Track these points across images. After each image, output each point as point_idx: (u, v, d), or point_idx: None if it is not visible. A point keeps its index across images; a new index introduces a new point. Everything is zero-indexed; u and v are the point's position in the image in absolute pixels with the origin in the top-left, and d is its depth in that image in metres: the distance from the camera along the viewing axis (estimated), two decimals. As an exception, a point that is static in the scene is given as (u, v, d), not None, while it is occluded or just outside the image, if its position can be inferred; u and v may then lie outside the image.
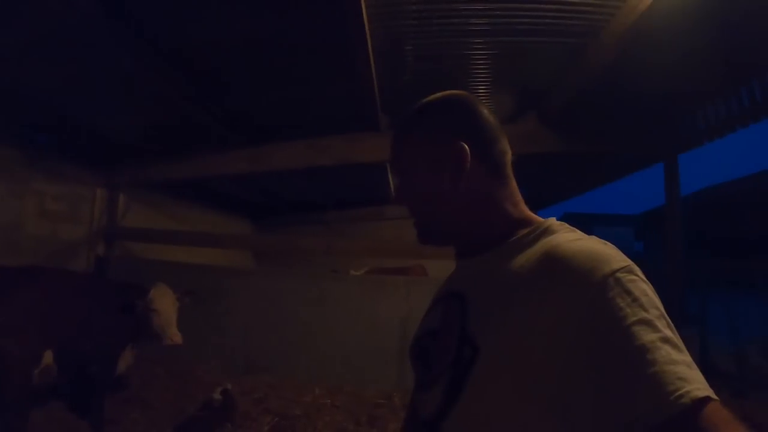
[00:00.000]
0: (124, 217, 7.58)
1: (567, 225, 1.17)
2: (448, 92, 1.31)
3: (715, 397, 0.81)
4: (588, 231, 1.13)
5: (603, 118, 6.01)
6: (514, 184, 1.29)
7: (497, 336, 1.00)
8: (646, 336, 0.86)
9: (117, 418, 5.10)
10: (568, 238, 1.08)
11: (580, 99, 5.37)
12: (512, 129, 5.70)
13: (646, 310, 0.90)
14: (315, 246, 6.48)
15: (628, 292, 0.91)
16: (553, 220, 1.20)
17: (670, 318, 0.93)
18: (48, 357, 4.22)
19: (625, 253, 1.02)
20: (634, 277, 0.95)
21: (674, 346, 0.88)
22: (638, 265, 0.99)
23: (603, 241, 1.05)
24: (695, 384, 0.82)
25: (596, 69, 4.65)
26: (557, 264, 1.00)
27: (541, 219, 1.22)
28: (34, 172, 6.33)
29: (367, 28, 4.05)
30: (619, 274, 0.93)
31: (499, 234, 1.20)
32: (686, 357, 0.86)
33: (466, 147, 1.21)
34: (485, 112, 1.28)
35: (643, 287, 0.94)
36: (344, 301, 6.10)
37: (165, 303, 4.79)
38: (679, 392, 0.80)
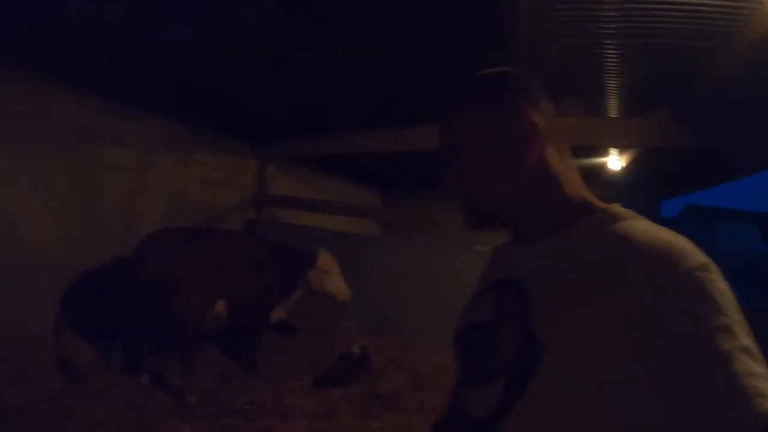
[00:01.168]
0: (272, 186, 8.19)
1: (633, 212, 1.08)
2: (502, 68, 1.24)
3: None
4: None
5: (734, 118, 5.91)
6: (575, 164, 1.19)
7: (565, 334, 0.95)
8: (726, 344, 0.83)
9: (264, 361, 5.62)
10: (639, 227, 1.01)
11: (712, 98, 5.36)
12: (644, 122, 5.79)
13: (725, 315, 0.85)
14: (451, 221, 6.59)
15: (707, 293, 0.87)
16: (618, 207, 1.11)
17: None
18: (220, 306, 4.83)
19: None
20: (713, 277, 0.90)
21: (753, 356, 0.84)
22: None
23: (675, 233, 0.98)
24: None
25: (728, 71, 4.66)
26: (630, 256, 0.94)
27: (603, 204, 1.14)
28: (197, 145, 7.02)
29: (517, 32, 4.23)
30: (698, 273, 0.89)
31: (561, 218, 1.12)
32: (764, 368, 0.83)
33: (535, 119, 1.13)
34: (543, 87, 1.21)
35: (721, 288, 0.89)
36: (475, 274, 6.10)
37: (333, 265, 5.39)
38: (757, 411, 0.77)
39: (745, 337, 0.85)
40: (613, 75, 5.46)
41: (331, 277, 5.37)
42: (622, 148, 7.95)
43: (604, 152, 8.46)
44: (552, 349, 0.96)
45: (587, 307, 0.94)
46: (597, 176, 9.49)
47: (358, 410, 4.56)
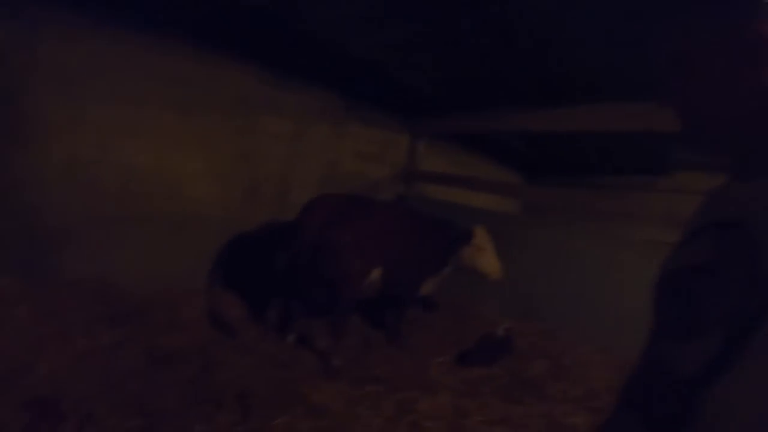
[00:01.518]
0: (421, 162, 8.12)
1: None
2: None
3: None
4: None
5: None
6: None
7: None
8: None
9: (406, 334, 5.67)
10: None
11: None
12: None
13: None
14: (606, 209, 6.26)
15: None
16: None
17: None
18: (376, 274, 4.83)
19: None
20: None
21: None
22: None
23: None
24: None
25: None
26: None
27: None
28: (351, 118, 7.18)
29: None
30: None
31: None
32: None
33: None
34: None
35: None
36: (630, 267, 5.64)
37: (488, 243, 5.31)
38: None
39: None
40: None
41: (484, 255, 5.30)
42: None
43: None
44: None
45: None
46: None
47: (500, 392, 4.48)
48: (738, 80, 1.02)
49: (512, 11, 4.46)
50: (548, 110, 6.36)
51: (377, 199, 5.84)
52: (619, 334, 5.64)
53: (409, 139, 8.23)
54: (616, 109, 5.94)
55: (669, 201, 6.87)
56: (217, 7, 5.02)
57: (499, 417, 3.99)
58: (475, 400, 4.25)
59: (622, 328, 5.69)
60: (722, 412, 0.89)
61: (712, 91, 1.05)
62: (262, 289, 5.79)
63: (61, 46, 4.87)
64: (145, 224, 5.53)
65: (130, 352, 4.62)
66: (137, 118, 5.35)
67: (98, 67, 5.08)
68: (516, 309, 6.43)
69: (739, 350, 0.88)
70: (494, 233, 5.59)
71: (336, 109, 6.98)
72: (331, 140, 6.85)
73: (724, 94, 1.03)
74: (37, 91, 4.79)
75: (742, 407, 0.87)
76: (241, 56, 5.91)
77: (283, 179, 6.37)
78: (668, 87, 1.14)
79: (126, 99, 5.27)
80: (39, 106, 4.81)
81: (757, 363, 0.86)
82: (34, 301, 4.70)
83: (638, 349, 1.24)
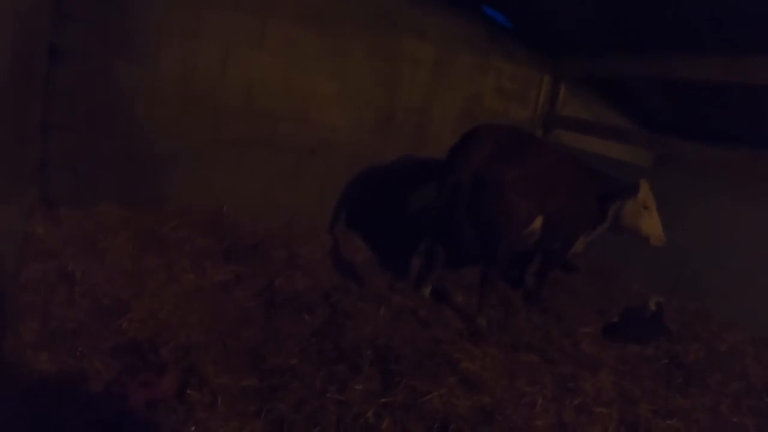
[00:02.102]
0: (562, 107, 7.11)
1: None
2: None
3: None
4: None
5: None
6: None
7: None
8: None
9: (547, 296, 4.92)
10: None
11: None
12: None
13: None
14: None
15: None
16: None
17: None
18: (537, 222, 4.13)
19: None
20: None
21: None
22: None
23: None
24: None
25: None
26: None
27: None
28: (495, 51, 6.18)
29: None
30: None
31: None
32: None
33: None
34: None
35: None
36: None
37: (652, 201, 4.57)
38: None
39: None
40: None
41: (649, 214, 4.55)
42: None
43: None
44: None
45: None
46: None
47: (660, 377, 3.84)
48: None
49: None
50: (720, 57, 4.93)
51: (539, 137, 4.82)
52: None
53: (551, 81, 7.04)
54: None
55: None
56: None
57: (668, 408, 3.41)
58: (638, 385, 3.63)
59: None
60: None
61: None
62: (394, 232, 5.06)
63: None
64: (267, 150, 4.82)
65: (245, 294, 3.82)
66: (262, 29, 4.61)
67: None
68: (665, 281, 5.39)
69: None
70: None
71: (480, 39, 6.03)
72: (474, 73, 6.02)
73: None
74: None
75: None
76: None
77: (423, 111, 5.66)
78: None
79: (250, 6, 4.51)
80: (150, 12, 4.12)
81: None
82: (136, 230, 3.98)
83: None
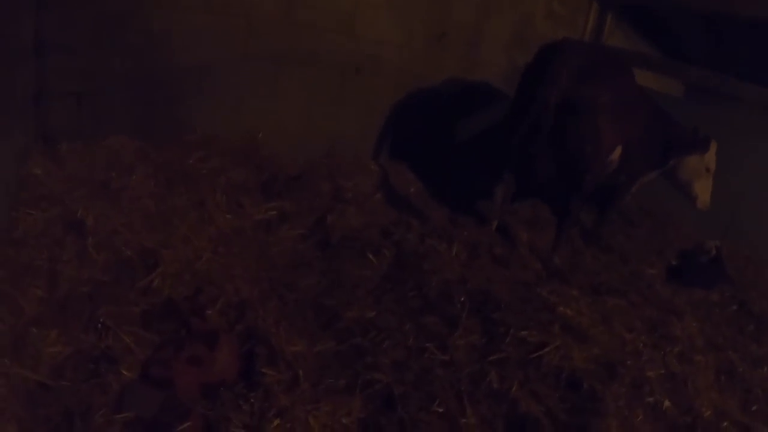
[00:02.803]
0: (610, 36, 6.56)
1: None
2: None
3: None
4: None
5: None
6: None
7: None
8: None
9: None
10: None
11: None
12: None
13: None
14: None
15: None
16: None
17: None
18: (617, 152, 3.66)
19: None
20: None
21: None
22: None
23: None
24: None
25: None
26: None
27: None
28: None
29: None
30: None
31: None
32: None
33: None
34: None
35: None
36: None
37: (714, 164, 4.18)
38: None
39: None
40: None
41: (706, 177, 4.19)
42: None
43: None
44: None
45: None
46: None
47: (734, 325, 3.48)
48: None
49: None
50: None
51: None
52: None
53: (599, 9, 6.43)
54: None
55: None
56: None
57: (754, 355, 3.13)
58: (718, 331, 3.30)
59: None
60: None
61: None
62: (446, 161, 4.41)
63: None
64: (307, 67, 3.90)
65: (292, 233, 3.06)
66: None
67: None
68: (715, 225, 4.98)
69: None
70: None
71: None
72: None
73: None
74: None
75: None
76: None
77: (475, 29, 4.85)
78: None
79: None
80: None
81: None
82: (156, 164, 3.11)
83: None
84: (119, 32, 3.15)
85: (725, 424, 2.39)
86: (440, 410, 1.93)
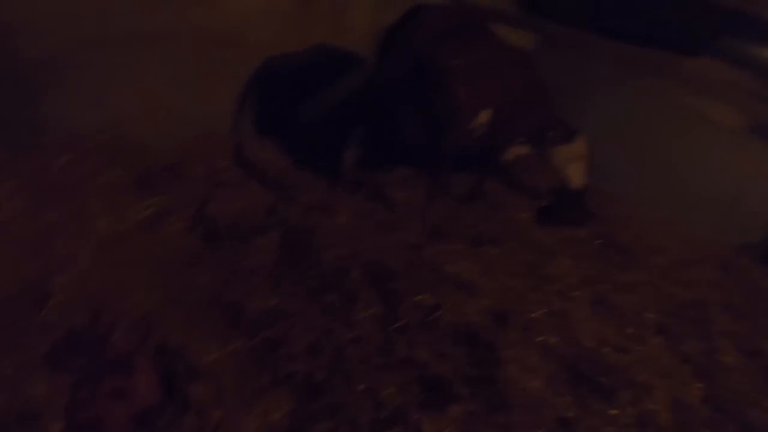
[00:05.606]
0: None
1: None
2: None
3: None
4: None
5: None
6: None
7: None
8: None
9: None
10: None
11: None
12: None
13: None
14: None
15: None
16: None
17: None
18: (483, 116, 3.54)
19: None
20: None
21: None
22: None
23: None
24: None
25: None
26: None
27: None
28: None
29: None
30: None
31: None
32: None
33: None
34: None
35: None
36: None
37: (584, 154, 4.16)
38: None
39: None
40: None
41: (576, 165, 4.18)
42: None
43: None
44: None
45: None
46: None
47: (602, 258, 3.67)
48: None
49: None
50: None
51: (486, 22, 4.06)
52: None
53: None
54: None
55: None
56: None
57: (623, 283, 3.35)
58: (590, 266, 3.50)
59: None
60: None
61: None
62: (318, 131, 4.23)
63: None
64: (169, 47, 3.55)
65: (175, 227, 2.91)
66: None
67: None
68: None
69: None
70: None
71: None
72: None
73: None
74: None
75: None
76: None
77: None
78: None
79: None
80: None
81: None
82: (20, 177, 2.81)
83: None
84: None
85: (607, 350, 2.66)
86: (361, 387, 2.04)
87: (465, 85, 3.35)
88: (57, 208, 2.64)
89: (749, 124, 5.85)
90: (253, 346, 2.16)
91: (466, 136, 3.59)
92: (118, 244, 2.62)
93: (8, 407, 1.67)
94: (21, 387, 1.71)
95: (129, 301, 2.24)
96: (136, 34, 3.36)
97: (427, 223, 3.51)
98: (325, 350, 2.18)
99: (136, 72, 3.45)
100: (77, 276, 2.28)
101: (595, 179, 4.74)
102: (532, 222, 4.04)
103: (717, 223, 4.87)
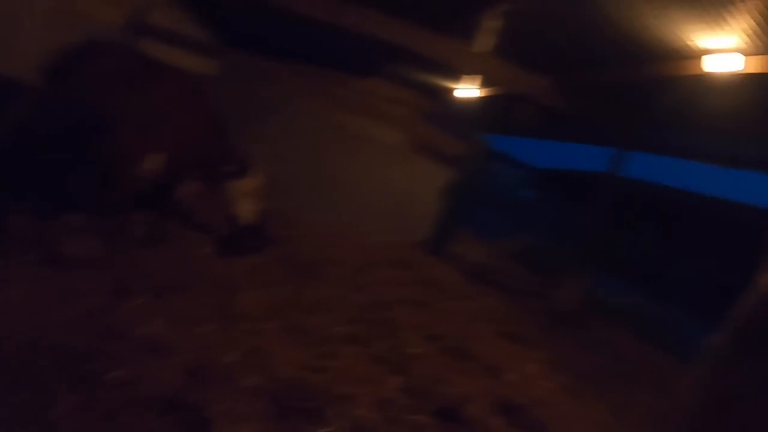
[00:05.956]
0: (158, 18, 6.58)
1: None
2: None
3: None
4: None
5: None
6: None
7: None
8: None
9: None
10: None
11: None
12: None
13: None
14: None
15: None
16: None
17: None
18: (155, 161, 3.59)
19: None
20: None
21: None
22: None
23: None
24: None
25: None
26: None
27: None
28: None
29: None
30: None
31: None
32: None
33: None
34: None
35: None
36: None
37: (255, 190, 4.36)
38: None
39: None
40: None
41: (247, 201, 4.33)
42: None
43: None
44: None
45: None
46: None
47: (288, 279, 4.07)
48: None
49: None
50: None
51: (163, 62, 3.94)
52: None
53: None
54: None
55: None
56: None
57: (309, 304, 3.66)
58: (276, 292, 3.76)
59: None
60: None
61: None
62: None
63: None
64: None
65: None
66: None
67: None
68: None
69: None
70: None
71: None
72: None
73: None
74: None
75: None
76: None
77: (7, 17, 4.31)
78: None
79: None
80: None
81: None
82: None
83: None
84: None
85: (306, 374, 2.80)
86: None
87: (134, 132, 3.26)
88: None
89: (409, 139, 6.82)
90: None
91: (136, 181, 3.49)
92: None
93: None
94: None
95: None
96: None
97: (108, 280, 3.28)
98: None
99: None
100: None
101: (275, 202, 5.04)
102: (213, 256, 4.11)
103: (389, 228, 5.63)
